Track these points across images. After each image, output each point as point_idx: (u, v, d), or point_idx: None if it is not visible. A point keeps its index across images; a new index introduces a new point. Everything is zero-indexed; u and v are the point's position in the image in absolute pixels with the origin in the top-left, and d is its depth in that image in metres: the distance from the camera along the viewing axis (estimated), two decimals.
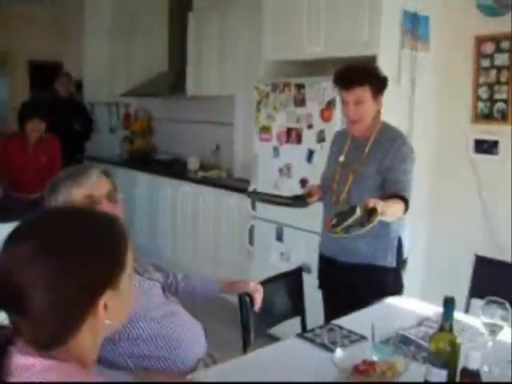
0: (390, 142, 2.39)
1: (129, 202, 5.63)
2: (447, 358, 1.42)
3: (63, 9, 6.91)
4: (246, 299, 2.15)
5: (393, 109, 3.24)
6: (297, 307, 2.46)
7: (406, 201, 2.26)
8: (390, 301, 2.30)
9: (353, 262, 2.42)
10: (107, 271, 0.98)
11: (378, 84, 2.37)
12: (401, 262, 2.48)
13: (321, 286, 2.62)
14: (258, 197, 3.26)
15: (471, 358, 1.36)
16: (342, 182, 2.43)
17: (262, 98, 3.70)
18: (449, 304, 1.44)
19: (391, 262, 2.43)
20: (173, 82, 5.34)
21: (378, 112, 2.44)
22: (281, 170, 3.59)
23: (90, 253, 0.96)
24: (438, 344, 1.44)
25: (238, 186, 4.18)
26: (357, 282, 2.43)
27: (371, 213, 2.01)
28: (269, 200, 2.93)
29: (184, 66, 5.13)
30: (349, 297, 2.39)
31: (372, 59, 3.11)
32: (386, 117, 3.16)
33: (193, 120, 5.54)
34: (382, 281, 2.44)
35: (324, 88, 3.26)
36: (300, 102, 3.44)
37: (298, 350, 1.84)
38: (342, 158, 2.47)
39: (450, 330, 1.44)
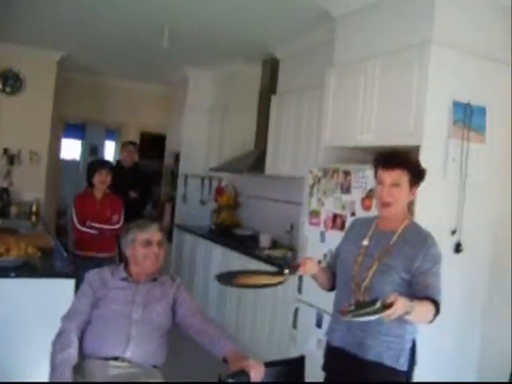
0: (420, 239, 2.29)
1: (205, 272, 5.82)
2: None
3: (170, 86, 7.55)
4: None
5: (438, 201, 3.12)
6: None
7: (437, 305, 2.17)
8: None
9: (362, 356, 2.29)
10: None
11: (416, 173, 2.33)
12: (412, 367, 2.33)
13: (325, 369, 2.52)
14: (228, 281, 2.55)
15: None
16: (364, 268, 2.32)
17: (315, 182, 3.74)
18: None
19: (403, 364, 2.29)
20: (254, 160, 5.54)
21: (410, 205, 2.39)
22: (325, 256, 3.53)
23: None
24: None
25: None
26: (362, 377, 2.30)
27: (389, 307, 1.95)
28: (242, 285, 2.59)
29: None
30: None
31: (416, 149, 3.05)
32: (431, 209, 3.07)
33: (272, 198, 5.68)
34: (389, 382, 2.28)
35: (367, 176, 3.23)
36: (346, 188, 3.43)
37: None
38: (365, 242, 2.37)
39: None
